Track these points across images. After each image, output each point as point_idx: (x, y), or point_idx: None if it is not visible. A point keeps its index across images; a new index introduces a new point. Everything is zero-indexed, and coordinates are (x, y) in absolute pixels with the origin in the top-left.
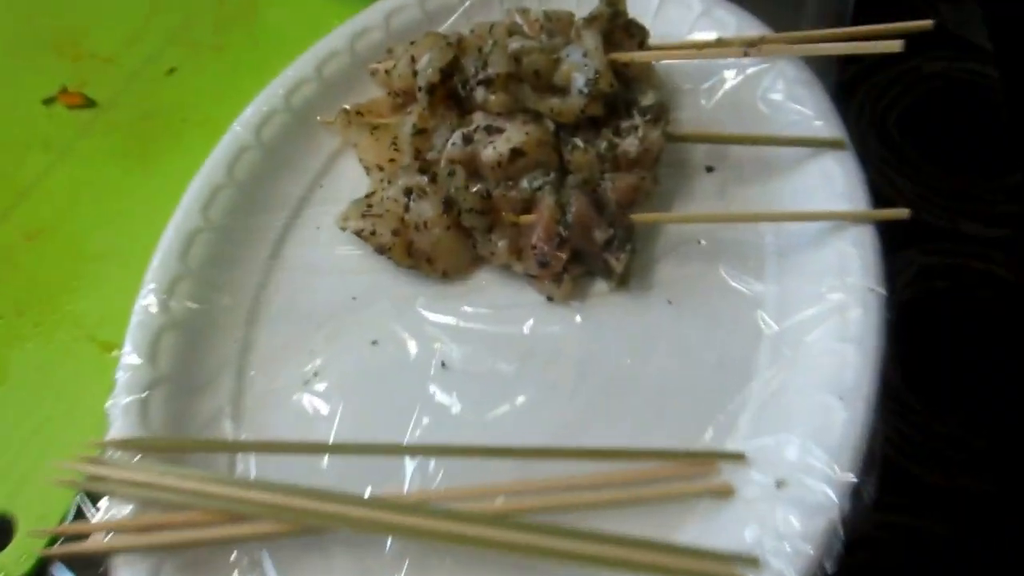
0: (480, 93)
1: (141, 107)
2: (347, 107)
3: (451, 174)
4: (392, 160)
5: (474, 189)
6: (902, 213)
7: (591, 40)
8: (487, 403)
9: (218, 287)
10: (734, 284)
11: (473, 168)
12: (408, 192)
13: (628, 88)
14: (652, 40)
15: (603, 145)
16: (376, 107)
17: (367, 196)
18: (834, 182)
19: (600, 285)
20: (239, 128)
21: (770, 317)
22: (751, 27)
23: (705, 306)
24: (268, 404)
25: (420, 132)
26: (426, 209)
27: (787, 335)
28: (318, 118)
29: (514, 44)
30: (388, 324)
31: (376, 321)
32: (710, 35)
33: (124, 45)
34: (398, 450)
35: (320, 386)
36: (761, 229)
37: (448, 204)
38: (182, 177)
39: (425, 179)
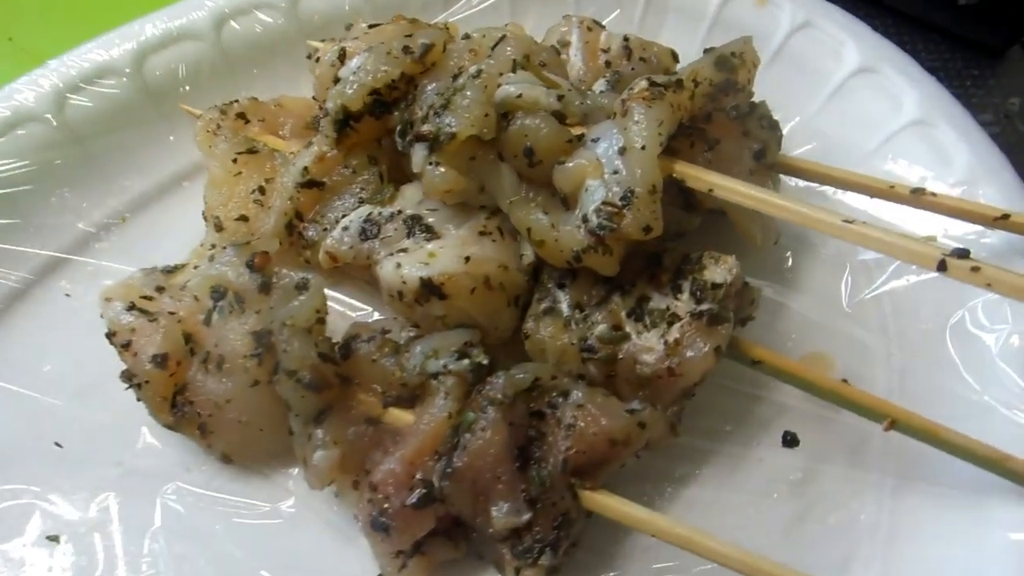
0: (418, 153)
1: None
2: (225, 105)
3: (285, 327)
4: (243, 218)
5: (314, 350)
6: None
7: (645, 124)
8: None
9: None
10: None
11: (367, 277)
12: (219, 295)
13: (676, 229)
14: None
15: (600, 327)
16: (275, 116)
17: (168, 270)
18: None
19: None
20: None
21: None
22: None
23: None
24: None
25: (310, 185)
26: (233, 339)
27: None
28: (181, 106)
29: (510, 87)
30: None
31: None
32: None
33: None
34: None
35: None
36: None
37: (267, 348)
38: None
39: (259, 282)
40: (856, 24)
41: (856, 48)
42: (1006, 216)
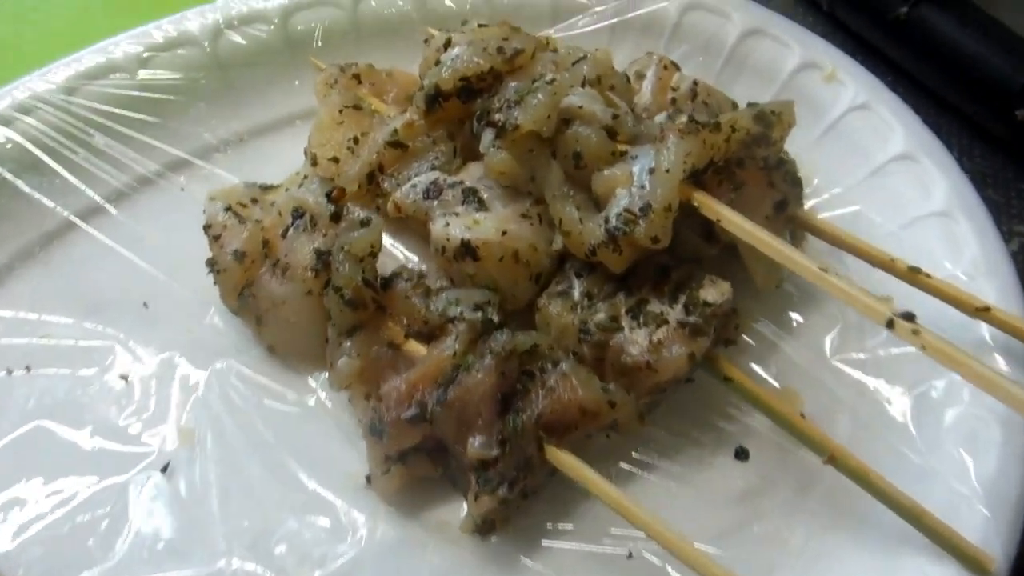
0: (486, 137)
1: None
2: (346, 64)
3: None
4: (335, 159)
5: (361, 276)
6: None
7: (675, 151)
8: None
9: None
10: None
11: (423, 232)
12: (298, 214)
13: (693, 253)
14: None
15: (600, 316)
16: (384, 83)
17: (265, 187)
18: None
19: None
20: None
21: None
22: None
23: None
24: None
25: (395, 145)
26: (300, 252)
27: None
28: (311, 58)
29: (574, 98)
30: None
31: (146, 355)
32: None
33: None
34: None
35: None
36: None
37: (325, 265)
38: None
39: (332, 211)
40: (909, 114)
41: (903, 136)
42: (987, 309)
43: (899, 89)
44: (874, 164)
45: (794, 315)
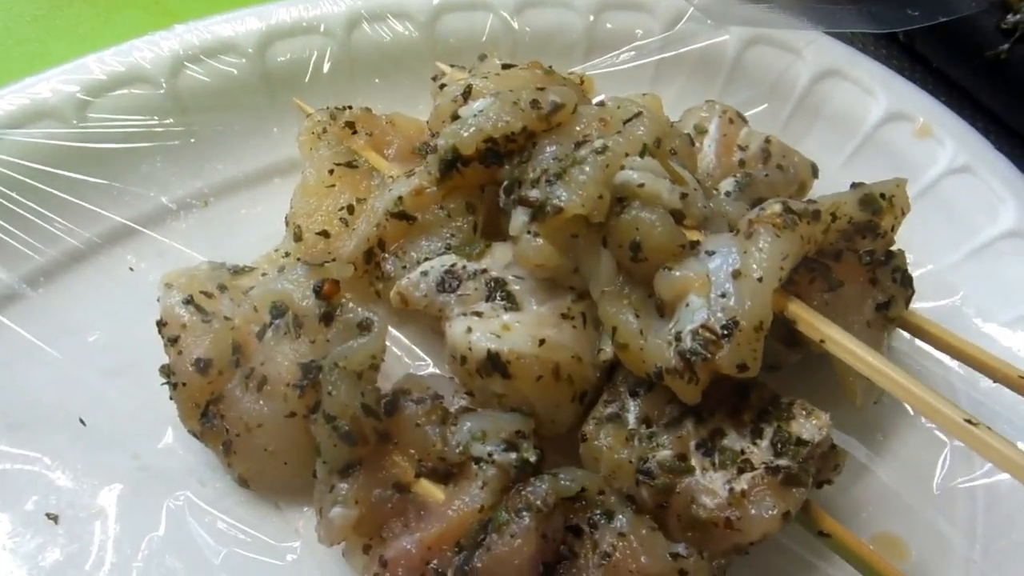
0: (518, 218)
1: None
2: (337, 109)
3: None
4: (324, 233)
5: (360, 400)
6: None
7: (768, 253)
8: None
9: None
10: None
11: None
12: (278, 312)
13: (774, 368)
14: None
15: (664, 452)
16: (385, 133)
17: (236, 269)
18: None
19: None
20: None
21: None
22: None
23: None
24: None
25: (401, 216)
26: (280, 363)
27: None
28: (295, 100)
29: (633, 173)
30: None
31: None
32: None
33: None
34: None
35: None
36: None
37: (313, 383)
38: None
39: (322, 310)
40: (1022, 182)
41: (1015, 209)
42: None
43: (1003, 150)
44: (977, 241)
45: (890, 435)
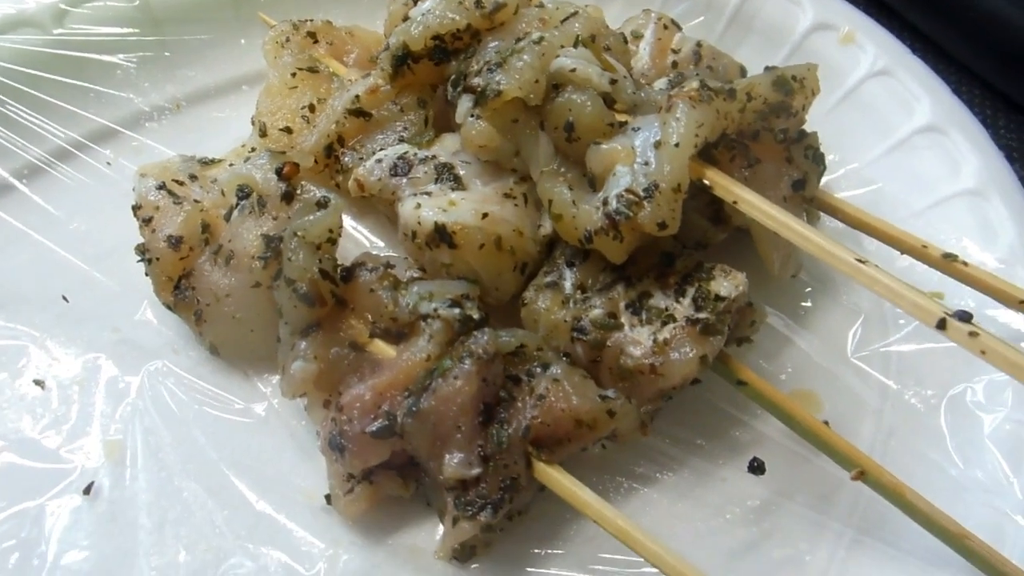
0: (463, 104)
1: None
2: (300, 21)
3: (295, 237)
4: (288, 130)
5: (317, 266)
6: None
7: (685, 122)
8: None
9: None
10: None
11: (389, 213)
12: (243, 193)
13: (699, 238)
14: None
15: (596, 312)
16: (344, 43)
17: (205, 161)
18: None
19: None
20: None
21: None
22: None
23: None
24: None
25: (358, 113)
26: (246, 238)
27: None
28: (260, 13)
29: (566, 60)
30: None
31: (65, 357)
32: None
33: None
34: None
35: None
36: None
37: (276, 253)
38: None
39: (283, 190)
40: (936, 82)
41: (930, 106)
42: None
43: (919, 55)
44: (896, 137)
45: (809, 308)
